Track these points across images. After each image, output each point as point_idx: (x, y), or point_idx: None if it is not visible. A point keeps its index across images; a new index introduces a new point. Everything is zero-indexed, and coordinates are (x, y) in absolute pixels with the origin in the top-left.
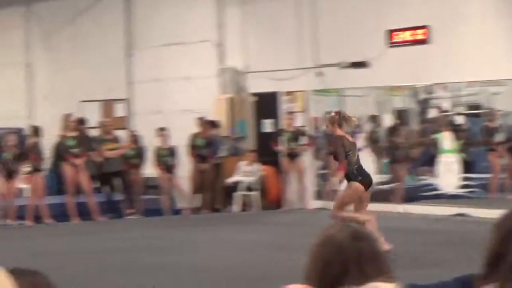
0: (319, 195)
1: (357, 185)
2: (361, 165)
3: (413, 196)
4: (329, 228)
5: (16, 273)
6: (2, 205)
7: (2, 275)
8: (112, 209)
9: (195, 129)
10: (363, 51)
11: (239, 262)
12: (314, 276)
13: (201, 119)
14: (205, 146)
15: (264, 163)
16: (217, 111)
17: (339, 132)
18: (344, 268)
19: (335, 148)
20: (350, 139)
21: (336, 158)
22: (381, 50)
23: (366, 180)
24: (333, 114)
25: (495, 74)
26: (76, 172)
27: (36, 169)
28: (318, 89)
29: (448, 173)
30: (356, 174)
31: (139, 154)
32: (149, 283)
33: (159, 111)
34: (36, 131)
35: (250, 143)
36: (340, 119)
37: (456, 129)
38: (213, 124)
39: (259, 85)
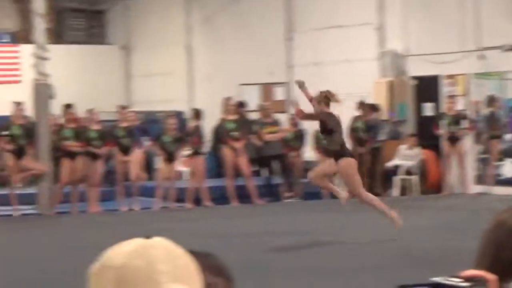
0: (480, 180)
1: (350, 160)
2: (345, 143)
3: None
4: (501, 213)
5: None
6: (163, 188)
7: (187, 257)
8: (271, 192)
9: (355, 112)
10: None
11: (401, 247)
12: (485, 262)
13: (361, 102)
14: (365, 130)
15: (424, 147)
16: (377, 95)
17: (327, 109)
18: None
19: (326, 122)
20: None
21: (328, 132)
22: None
23: (353, 157)
24: (319, 93)
25: None
26: (236, 155)
27: (196, 152)
28: (479, 72)
29: None
30: (345, 150)
31: (299, 137)
32: (310, 265)
33: None
34: (197, 114)
35: (410, 126)
36: (326, 97)
37: None
38: (373, 107)
39: (419, 68)
